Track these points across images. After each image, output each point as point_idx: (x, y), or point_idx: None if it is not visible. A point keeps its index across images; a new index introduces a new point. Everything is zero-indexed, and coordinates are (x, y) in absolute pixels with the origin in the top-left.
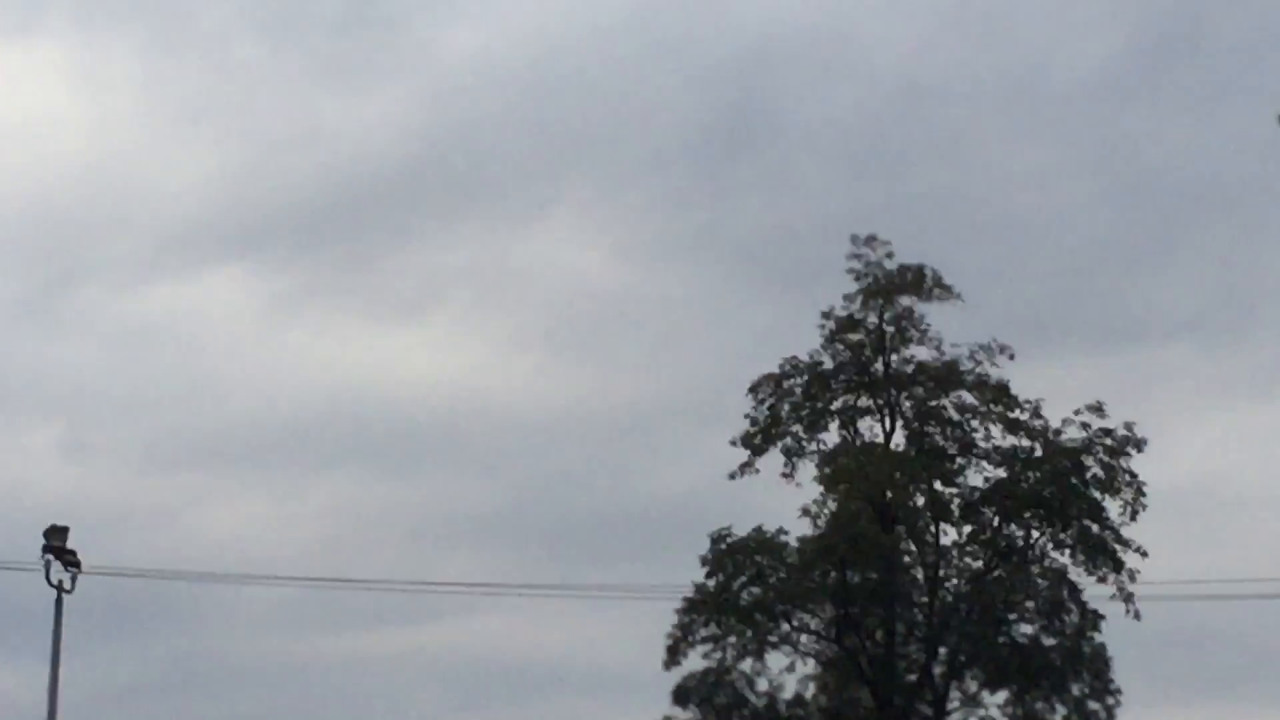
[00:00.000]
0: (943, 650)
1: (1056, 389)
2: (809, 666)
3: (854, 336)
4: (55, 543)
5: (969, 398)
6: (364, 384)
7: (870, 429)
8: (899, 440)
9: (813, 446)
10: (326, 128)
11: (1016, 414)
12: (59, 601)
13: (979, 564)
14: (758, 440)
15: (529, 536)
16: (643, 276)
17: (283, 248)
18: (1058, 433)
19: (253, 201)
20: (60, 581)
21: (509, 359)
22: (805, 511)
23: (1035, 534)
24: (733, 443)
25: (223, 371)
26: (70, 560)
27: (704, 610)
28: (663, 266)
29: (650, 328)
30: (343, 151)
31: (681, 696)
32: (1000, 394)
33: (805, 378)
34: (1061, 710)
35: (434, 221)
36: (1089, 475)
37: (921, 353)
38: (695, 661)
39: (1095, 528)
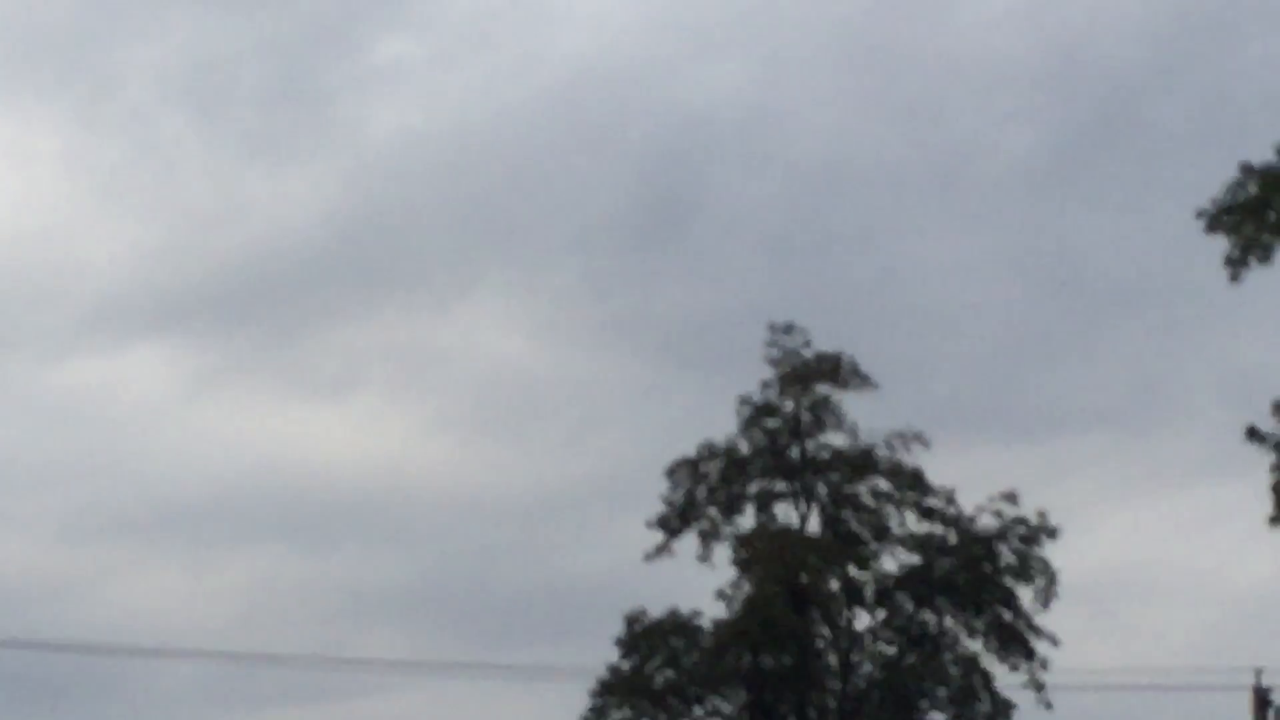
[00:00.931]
0: None
1: (970, 477)
2: None
3: (771, 422)
4: None
5: (884, 484)
6: (284, 460)
7: (786, 513)
8: (814, 525)
9: (729, 529)
10: (250, 204)
11: (931, 501)
12: None
13: (892, 650)
14: (674, 523)
15: (446, 614)
16: (563, 360)
17: (205, 324)
18: (971, 520)
19: (175, 277)
20: None
21: (429, 439)
22: (720, 594)
23: (948, 620)
24: (649, 525)
25: (142, 445)
26: None
27: (618, 692)
28: (583, 350)
29: (570, 410)
30: (266, 228)
31: None
32: (915, 481)
33: (722, 462)
34: None
35: (356, 301)
36: (1002, 563)
37: (837, 439)
38: None
39: (1008, 615)
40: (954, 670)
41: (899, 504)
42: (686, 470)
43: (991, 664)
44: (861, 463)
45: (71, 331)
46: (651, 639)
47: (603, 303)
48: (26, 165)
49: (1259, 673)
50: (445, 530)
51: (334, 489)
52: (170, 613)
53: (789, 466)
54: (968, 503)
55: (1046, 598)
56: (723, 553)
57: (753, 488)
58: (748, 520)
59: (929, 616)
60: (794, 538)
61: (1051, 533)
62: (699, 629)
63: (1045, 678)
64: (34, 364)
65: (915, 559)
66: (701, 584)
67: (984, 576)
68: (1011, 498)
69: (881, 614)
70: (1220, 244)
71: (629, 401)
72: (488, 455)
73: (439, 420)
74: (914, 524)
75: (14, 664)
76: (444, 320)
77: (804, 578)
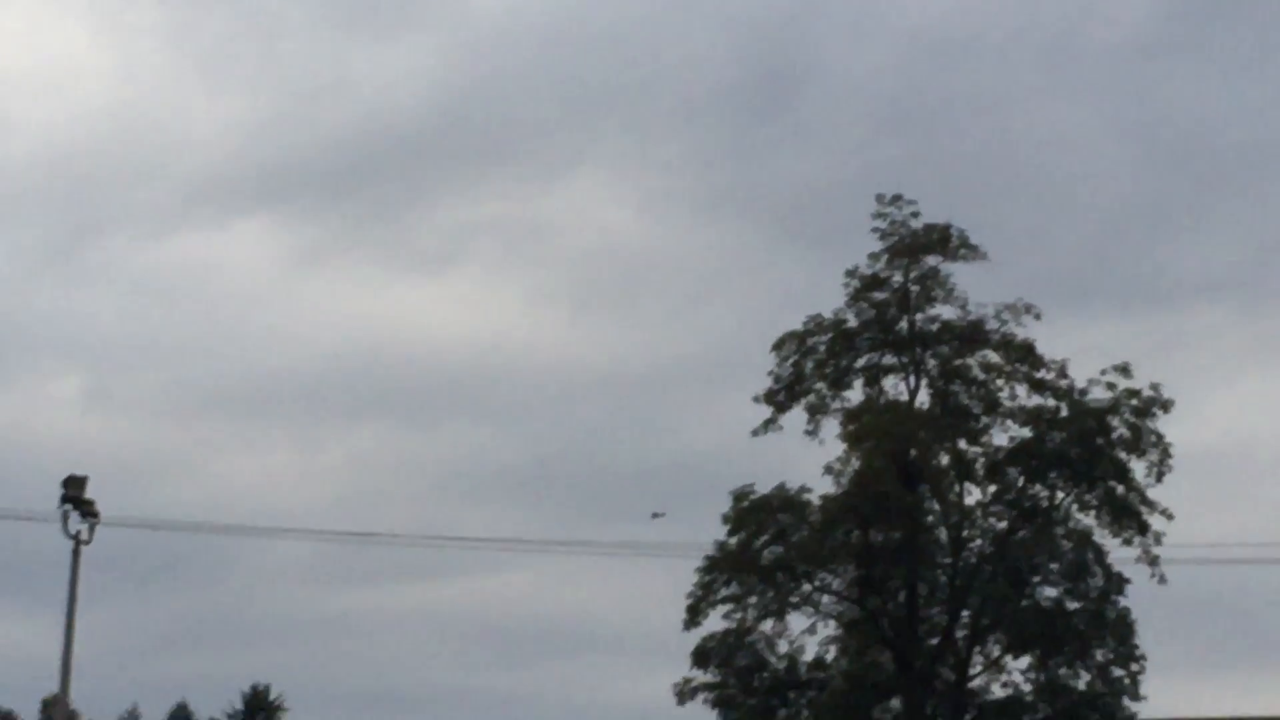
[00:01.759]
0: (965, 613)
1: (1083, 349)
2: (830, 628)
3: (879, 295)
4: (73, 493)
5: (994, 357)
6: (388, 337)
7: (895, 387)
8: (923, 399)
9: (836, 404)
10: (353, 78)
11: (1042, 374)
12: (76, 553)
13: (1003, 525)
14: (781, 397)
15: (552, 492)
16: (671, 233)
17: (308, 199)
18: (1083, 393)
19: (278, 152)
20: (78, 533)
21: (534, 314)
22: (828, 469)
23: (1060, 495)
24: (756, 400)
25: (246, 322)
26: (88, 511)
27: (725, 569)
28: (691, 223)
29: (677, 284)
30: (369, 102)
31: (701, 658)
32: (1026, 353)
33: (830, 335)
34: (1085, 676)
35: (460, 175)
36: (1115, 436)
37: (947, 312)
38: (715, 622)
39: (1121, 489)
40: (1066, 545)
41: (1009, 377)
42: (794, 344)
43: (1104, 538)
44: (971, 335)
45: (174, 208)
46: (759, 515)
47: (711, 175)
48: (128, 40)
49: None
50: (551, 407)
51: (438, 365)
52: (276, 490)
53: (898, 340)
54: (1080, 375)
55: (1160, 471)
56: (831, 427)
57: (861, 361)
58: (856, 394)
59: (1040, 491)
60: (903, 412)
61: (1165, 405)
62: (807, 504)
63: (1158, 552)
64: (136, 241)
65: (1026, 432)
66: (809, 459)
67: (1096, 450)
68: (1124, 370)
69: (992, 488)
70: None
71: (737, 275)
72: (594, 330)
73: (544, 295)
74: (1025, 397)
75: (121, 543)
76: (549, 194)
77: (913, 452)
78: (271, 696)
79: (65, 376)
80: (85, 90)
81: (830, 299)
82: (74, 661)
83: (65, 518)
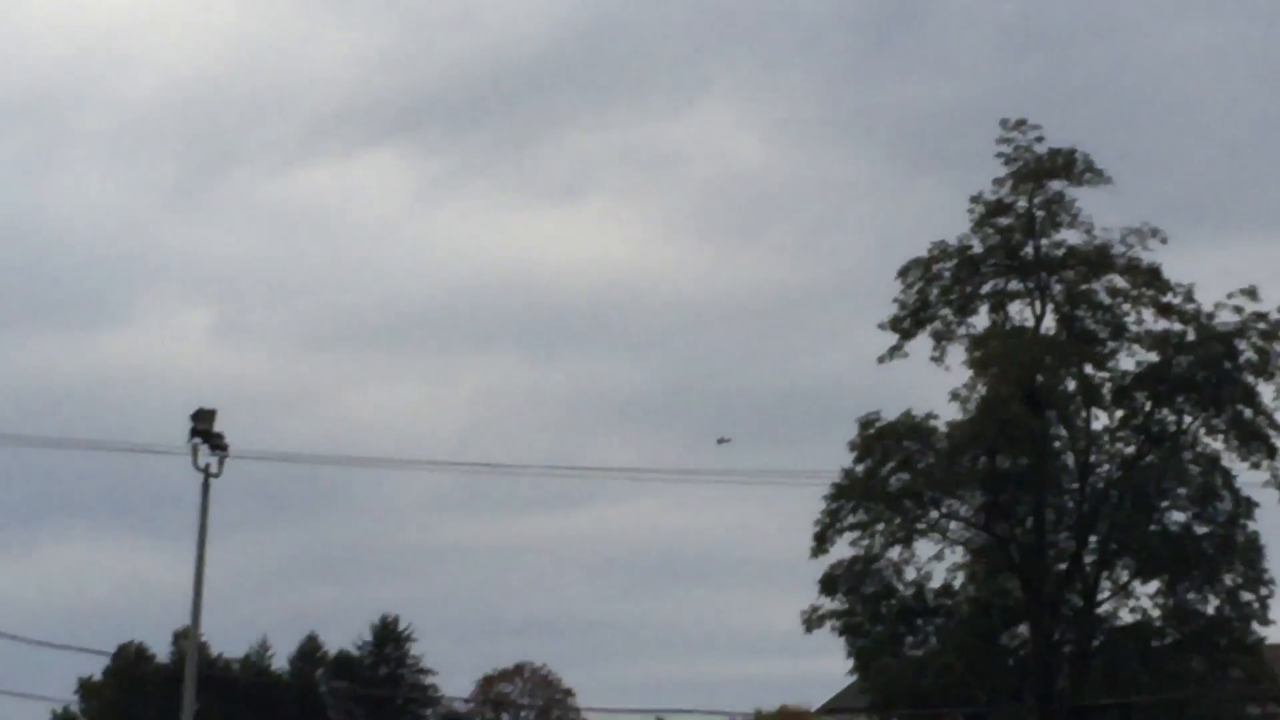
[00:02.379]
0: (1093, 538)
1: (1209, 273)
2: (957, 555)
3: (1003, 220)
4: (203, 426)
5: (1120, 281)
6: (515, 267)
7: (1020, 313)
8: (1049, 324)
9: (962, 330)
10: (479, 8)
11: (1168, 298)
12: (206, 485)
13: (1130, 450)
14: (907, 324)
15: (678, 421)
16: (796, 161)
17: (435, 131)
18: (1210, 317)
19: (405, 84)
20: (207, 465)
21: (661, 243)
22: (955, 396)
23: (1187, 419)
24: (882, 327)
25: (374, 254)
26: (218, 444)
27: (852, 496)
28: (816, 151)
29: (802, 212)
30: (496, 33)
31: (828, 585)
32: (1152, 278)
33: (954, 261)
34: (1213, 600)
35: (587, 105)
36: (1242, 359)
37: (1072, 237)
38: (843, 549)
39: (1248, 413)
40: (1194, 469)
41: (1136, 301)
42: (919, 271)
43: (1232, 462)
44: (1097, 260)
45: (300, 142)
46: (886, 442)
47: (837, 101)
48: None
49: None
50: (677, 335)
51: (565, 295)
52: (405, 422)
53: (1023, 265)
54: (1206, 299)
55: None
56: (956, 354)
57: (986, 287)
58: (981, 320)
59: (1167, 415)
60: (1029, 337)
61: None
62: (933, 431)
63: None
64: (265, 175)
65: (1153, 357)
66: (935, 386)
67: (1224, 373)
68: (1252, 293)
69: (1119, 413)
70: None
71: (863, 202)
72: (720, 259)
73: (671, 224)
74: (1151, 321)
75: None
76: (675, 123)
77: (1039, 378)
78: (400, 627)
79: (194, 311)
80: (211, 25)
81: (955, 225)
82: (205, 594)
83: (195, 451)
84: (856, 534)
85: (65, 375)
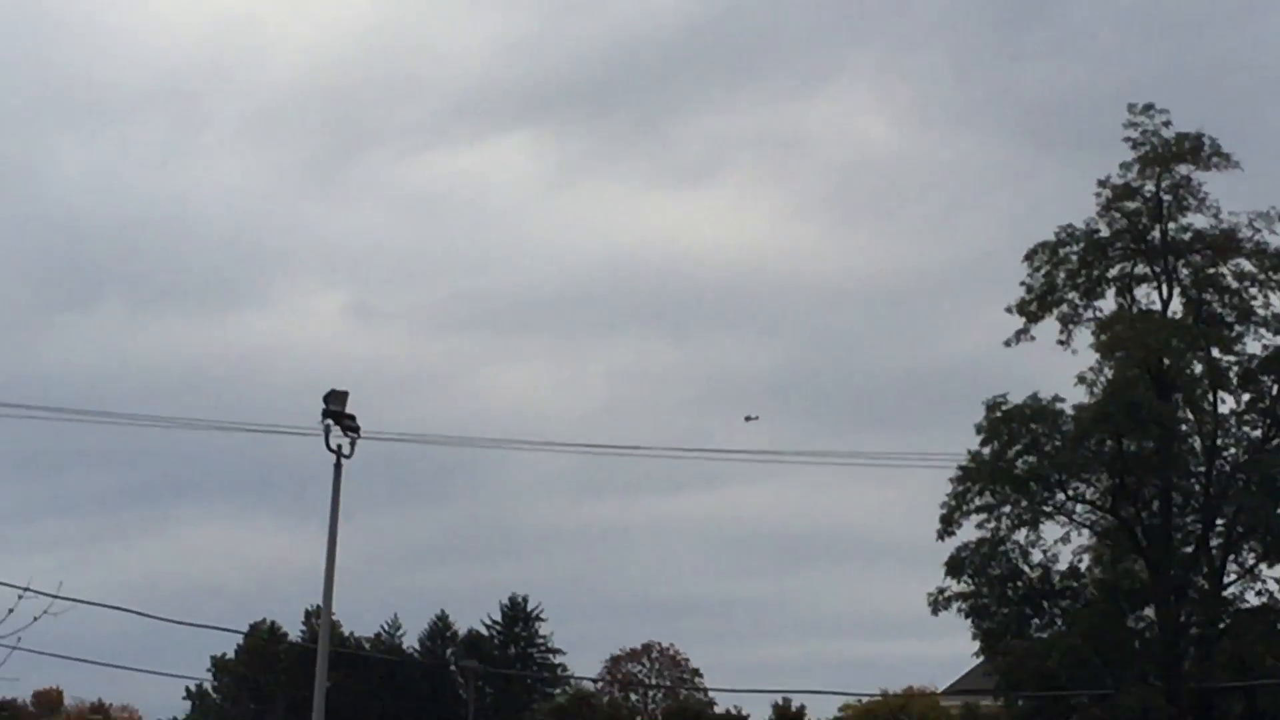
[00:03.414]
0: (1220, 521)
1: None
2: (1084, 537)
3: (1130, 205)
4: (335, 408)
5: (1247, 265)
6: (646, 249)
7: (1147, 296)
8: (1176, 308)
9: (1089, 314)
10: None
11: None
12: (338, 466)
13: (1257, 433)
14: (1034, 307)
15: (809, 401)
16: (927, 144)
17: (567, 114)
18: None
19: (537, 68)
20: (339, 446)
21: (792, 225)
22: (1081, 379)
23: None
24: (1009, 310)
25: (506, 236)
26: (350, 425)
27: (979, 479)
28: (946, 134)
29: (933, 195)
30: (628, 16)
31: (955, 567)
32: (1279, 261)
33: (1081, 245)
34: None
35: (719, 88)
36: None
37: (1199, 220)
38: (969, 531)
39: None
40: None
41: (1263, 285)
42: (1046, 254)
43: None
44: (1224, 244)
45: (435, 125)
46: (1012, 424)
47: (966, 85)
48: None
49: None
50: (807, 317)
51: (696, 277)
52: (536, 403)
53: (1150, 249)
54: None
55: None
56: (1083, 337)
57: (1113, 271)
58: (1108, 304)
59: None
60: (1156, 321)
61: None
62: (1060, 414)
63: None
64: (399, 159)
65: None
66: (1062, 369)
67: None
68: None
69: (1246, 397)
70: None
71: (991, 185)
72: (850, 241)
73: (802, 207)
74: (1278, 305)
75: (385, 455)
76: (807, 106)
77: (1166, 361)
78: (530, 607)
79: (328, 293)
80: (346, 11)
81: (1083, 209)
82: (336, 574)
83: (327, 432)
84: (983, 516)
85: (202, 356)
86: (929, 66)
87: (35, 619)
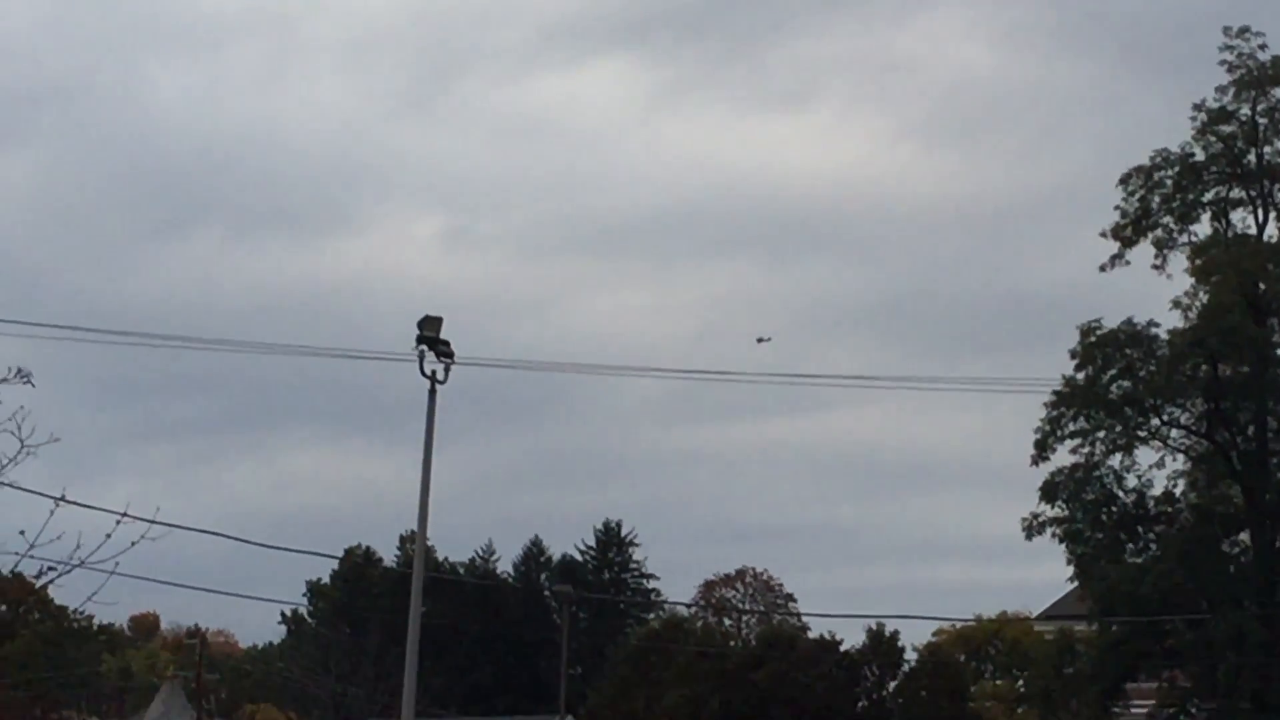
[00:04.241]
0: None
1: None
2: (1178, 462)
3: (1226, 128)
4: (429, 333)
5: None
6: (742, 175)
7: (1242, 221)
8: (1272, 232)
9: (1184, 238)
10: None
11: None
12: (432, 392)
13: None
14: (1129, 232)
15: (904, 327)
16: (1024, 67)
17: (661, 39)
18: None
19: None
20: (433, 372)
21: (887, 150)
22: (1176, 304)
23: None
24: (1103, 235)
25: (601, 162)
26: (444, 351)
27: (1073, 404)
28: (1044, 57)
29: (1028, 120)
30: None
31: (1049, 492)
32: None
33: (1177, 169)
34: None
35: (813, 12)
36: None
37: None
38: (1063, 456)
39: None
40: None
41: None
42: (1141, 179)
43: None
44: None
45: (530, 50)
46: (1107, 350)
47: (1062, 8)
48: None
49: None
50: (904, 243)
51: (791, 202)
52: (631, 329)
53: (1245, 173)
54: None
55: None
56: (1178, 262)
57: (1208, 195)
58: (1203, 228)
59: None
60: (1252, 245)
61: None
62: (1155, 339)
63: None
64: (494, 84)
65: None
66: (1157, 294)
67: None
68: None
69: None
70: None
71: (1087, 109)
72: (947, 166)
73: (897, 131)
74: None
75: (480, 381)
76: (902, 30)
77: (1262, 286)
78: (623, 532)
79: (425, 218)
80: None
81: (1179, 133)
82: (431, 499)
83: (421, 358)
84: (1077, 441)
85: (298, 281)
86: None
87: (133, 544)
